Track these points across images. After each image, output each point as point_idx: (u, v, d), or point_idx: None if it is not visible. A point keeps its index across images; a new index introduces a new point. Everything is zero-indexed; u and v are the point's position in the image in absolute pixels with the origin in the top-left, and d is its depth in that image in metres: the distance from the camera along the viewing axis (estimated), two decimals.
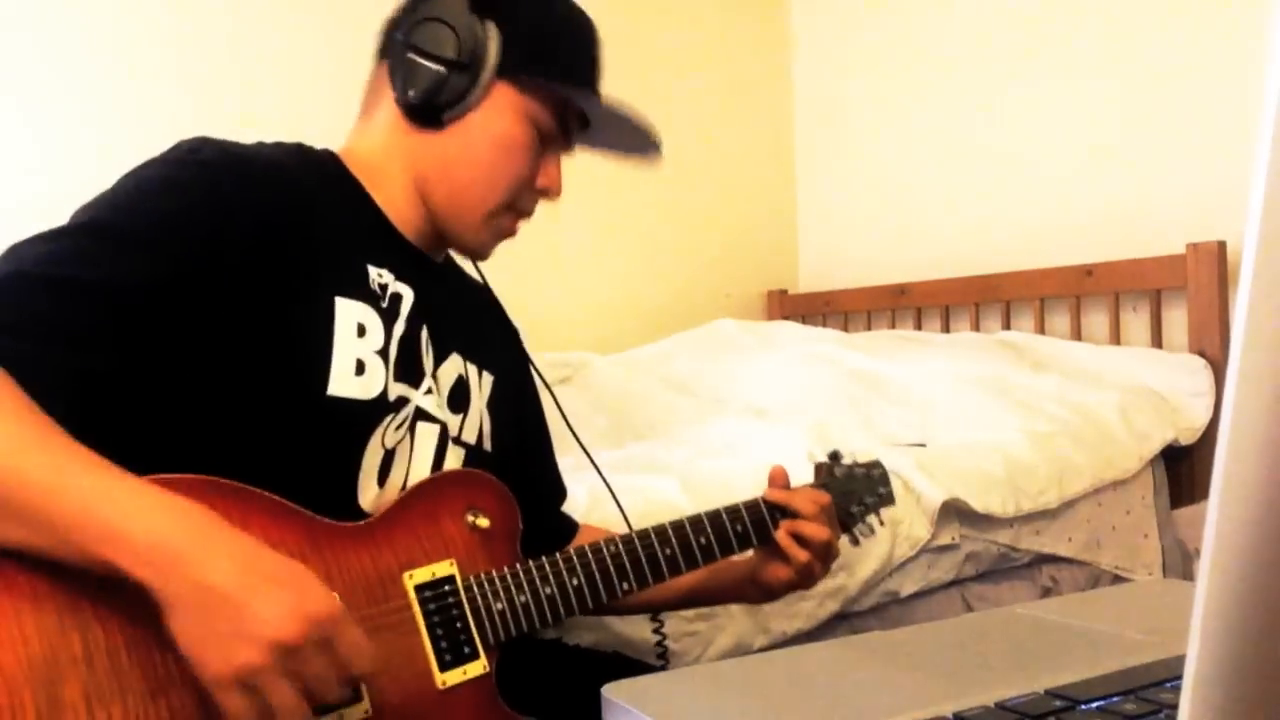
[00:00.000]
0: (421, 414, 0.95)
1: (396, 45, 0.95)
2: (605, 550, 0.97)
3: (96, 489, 0.69)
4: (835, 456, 1.18)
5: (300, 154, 0.97)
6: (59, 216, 0.83)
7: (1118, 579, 1.85)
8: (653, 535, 1.00)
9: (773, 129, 3.27)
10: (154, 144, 0.90)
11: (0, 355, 0.73)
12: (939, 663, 0.67)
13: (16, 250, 0.79)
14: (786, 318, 3.15)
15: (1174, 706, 0.53)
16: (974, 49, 2.70)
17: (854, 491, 1.15)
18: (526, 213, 1.02)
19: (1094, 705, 0.54)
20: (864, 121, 3.06)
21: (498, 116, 0.96)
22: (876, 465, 1.19)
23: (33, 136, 2.25)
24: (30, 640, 0.69)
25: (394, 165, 0.98)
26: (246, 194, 0.85)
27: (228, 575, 0.68)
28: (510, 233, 1.03)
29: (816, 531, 1.03)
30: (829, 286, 3.13)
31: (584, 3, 1.00)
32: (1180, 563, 1.97)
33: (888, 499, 1.18)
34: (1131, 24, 2.33)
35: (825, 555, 1.05)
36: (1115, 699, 0.54)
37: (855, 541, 1.16)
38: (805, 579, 1.06)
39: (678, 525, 1.01)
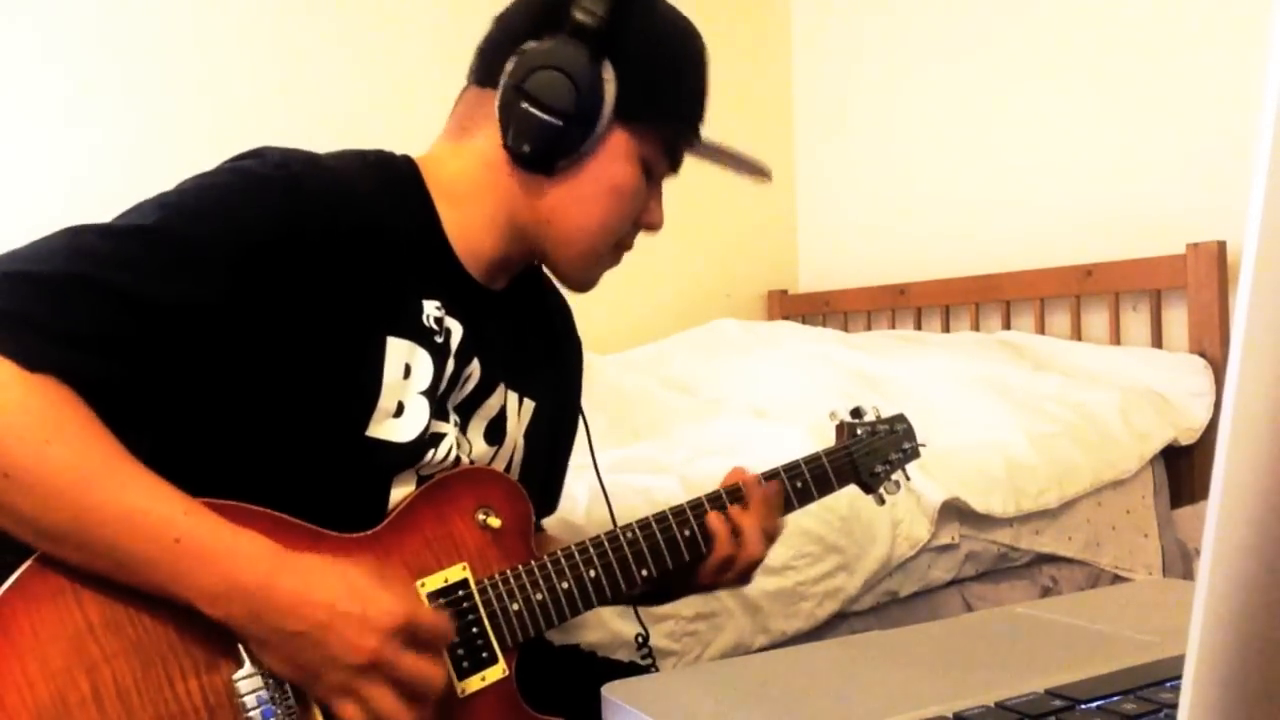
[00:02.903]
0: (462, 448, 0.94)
1: (507, 88, 0.89)
2: (623, 537, 0.95)
3: (169, 529, 0.71)
4: (857, 413, 1.13)
5: (379, 169, 0.92)
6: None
7: (1118, 579, 1.85)
8: (671, 517, 0.97)
9: (773, 129, 3.27)
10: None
11: (47, 363, 0.71)
12: (939, 663, 0.67)
13: (70, 241, 0.75)
14: (786, 318, 3.14)
15: (1174, 706, 0.53)
16: (974, 49, 2.70)
17: (879, 449, 1.11)
18: (629, 247, 1.01)
19: (1094, 705, 0.54)
20: (864, 121, 3.06)
21: (612, 163, 0.93)
22: (901, 419, 1.15)
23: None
24: (36, 685, 0.69)
25: (484, 196, 0.94)
26: (323, 227, 0.82)
27: (299, 615, 0.72)
28: (613, 265, 1.02)
29: (754, 538, 0.98)
30: (829, 286, 3.13)
31: None
32: (1180, 563, 1.97)
33: (913, 454, 1.14)
34: (1132, 24, 2.33)
35: (749, 564, 1.00)
36: (1115, 699, 0.54)
37: (881, 501, 1.12)
38: (721, 569, 0.99)
39: (695, 504, 0.99)
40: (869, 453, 1.11)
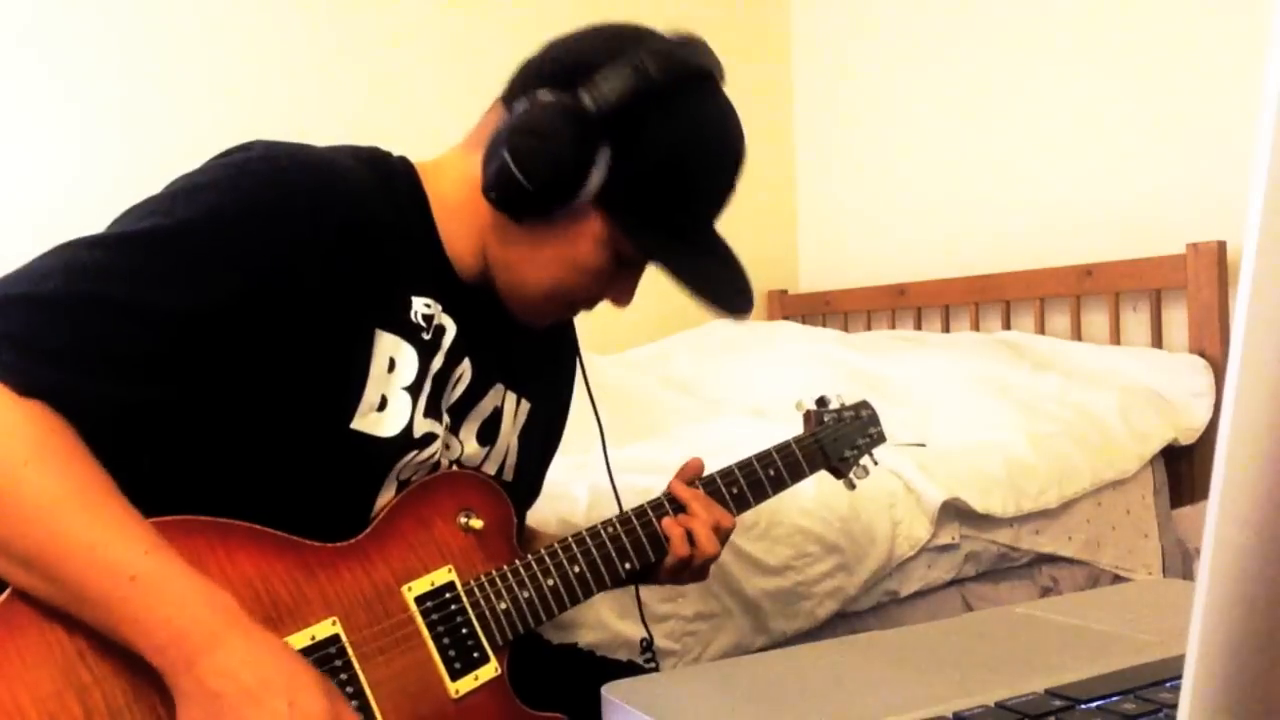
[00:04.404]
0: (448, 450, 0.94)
1: (499, 132, 0.86)
2: (604, 533, 0.96)
3: (127, 566, 0.69)
4: (822, 402, 1.16)
5: (373, 166, 0.91)
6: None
7: (1118, 579, 1.85)
8: (650, 511, 0.99)
9: (773, 129, 3.27)
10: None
11: (43, 387, 0.71)
12: (939, 663, 0.67)
13: (68, 258, 0.75)
14: (786, 318, 3.15)
15: (1174, 706, 0.53)
16: (974, 49, 2.70)
17: (846, 436, 1.14)
18: (588, 309, 0.98)
19: (1094, 705, 0.54)
20: (864, 121, 3.06)
21: (578, 239, 0.89)
22: (865, 405, 1.18)
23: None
24: (26, 711, 0.68)
25: (467, 213, 0.92)
26: (314, 219, 0.81)
27: (231, 681, 0.68)
28: (568, 318, 1.00)
29: (706, 539, 0.99)
30: (829, 286, 3.13)
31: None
32: (1180, 563, 1.97)
33: (879, 439, 1.17)
34: (1132, 24, 2.33)
35: (705, 564, 1.01)
36: (1115, 699, 0.54)
37: (851, 486, 1.15)
38: (677, 571, 1.01)
39: (670, 497, 1.02)
40: (837, 439, 1.14)
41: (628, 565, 0.97)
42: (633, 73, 0.85)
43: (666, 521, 0.99)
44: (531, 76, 0.89)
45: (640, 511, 0.99)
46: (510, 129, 0.85)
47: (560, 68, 0.88)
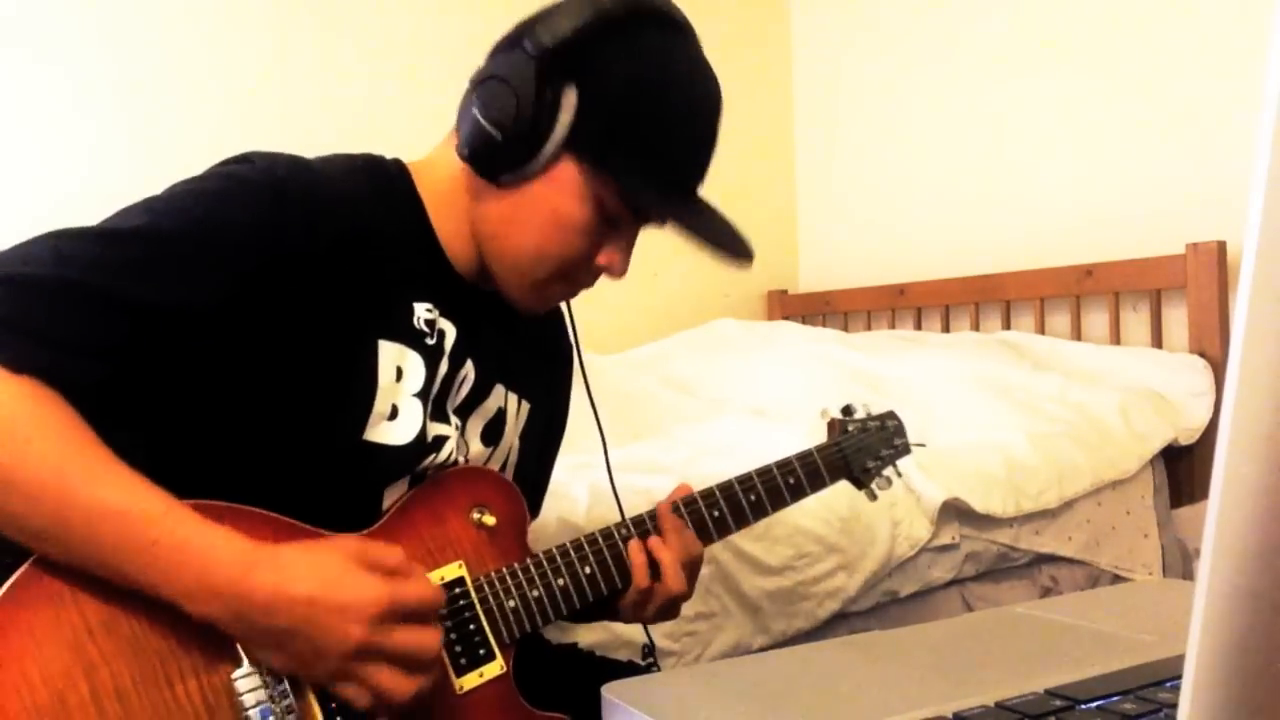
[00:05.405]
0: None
1: (467, 93, 0.88)
2: (617, 534, 0.96)
3: (147, 526, 0.70)
4: (848, 411, 1.14)
5: (369, 174, 0.91)
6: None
7: (1118, 579, 1.85)
8: (650, 519, 0.99)
9: (773, 129, 3.27)
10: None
11: (34, 365, 0.72)
12: (939, 663, 0.67)
13: (56, 245, 0.76)
14: (786, 318, 3.15)
15: (1174, 706, 0.53)
16: (974, 49, 2.70)
17: (870, 446, 1.12)
18: (584, 285, 0.95)
19: (1094, 705, 0.54)
20: (864, 121, 3.06)
21: (556, 192, 0.87)
22: (891, 416, 1.16)
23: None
24: (35, 688, 0.69)
25: (457, 199, 0.92)
26: (310, 231, 0.82)
27: (280, 612, 0.71)
28: (565, 299, 0.97)
29: (673, 574, 0.96)
30: (829, 286, 3.12)
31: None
32: (1180, 563, 1.97)
33: (904, 450, 1.15)
34: (1132, 24, 2.33)
35: (668, 604, 0.98)
36: (1115, 699, 0.54)
37: (873, 497, 1.13)
38: (640, 605, 0.98)
39: (689, 500, 1.00)
40: (860, 449, 1.12)
41: None
42: (588, 6, 0.84)
43: (632, 546, 0.96)
44: (491, 53, 0.90)
45: (653, 515, 0.99)
46: (475, 83, 0.87)
47: (519, 28, 0.88)
